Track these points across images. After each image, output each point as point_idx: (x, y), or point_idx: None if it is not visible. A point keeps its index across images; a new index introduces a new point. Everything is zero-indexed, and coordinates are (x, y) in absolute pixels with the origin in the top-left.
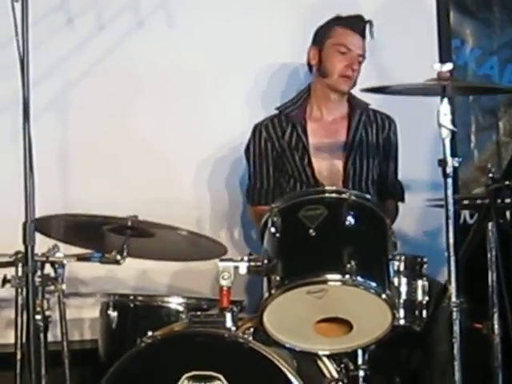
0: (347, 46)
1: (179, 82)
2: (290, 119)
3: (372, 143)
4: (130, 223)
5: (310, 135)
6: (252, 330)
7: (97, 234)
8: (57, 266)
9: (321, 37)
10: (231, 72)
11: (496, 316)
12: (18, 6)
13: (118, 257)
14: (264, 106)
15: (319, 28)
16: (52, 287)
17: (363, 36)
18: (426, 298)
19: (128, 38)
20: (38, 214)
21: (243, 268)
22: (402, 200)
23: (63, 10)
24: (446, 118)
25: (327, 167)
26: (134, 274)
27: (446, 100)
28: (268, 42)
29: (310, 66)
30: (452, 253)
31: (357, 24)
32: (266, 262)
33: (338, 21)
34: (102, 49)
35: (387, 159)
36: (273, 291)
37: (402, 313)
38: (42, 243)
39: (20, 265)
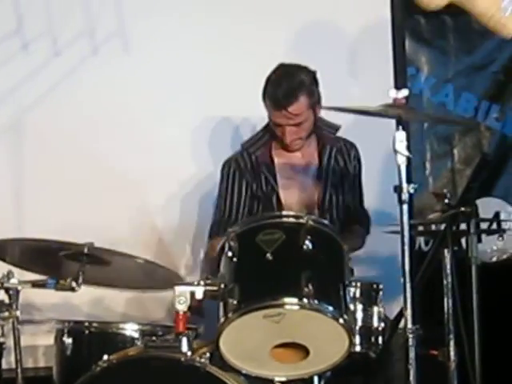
0: (277, 123)
1: (134, 109)
2: (257, 158)
3: (342, 174)
4: (86, 250)
5: (279, 173)
6: (208, 354)
7: (52, 260)
8: (11, 292)
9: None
10: (181, 102)
11: (452, 343)
12: None
13: (74, 284)
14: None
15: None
16: (6, 313)
17: (289, 107)
18: (382, 325)
19: (83, 64)
20: None
21: (199, 292)
22: (368, 230)
23: (18, 35)
24: (401, 145)
25: (297, 201)
26: (89, 300)
27: (401, 127)
28: (217, 78)
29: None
30: (408, 279)
31: (280, 103)
32: (222, 286)
33: (267, 91)
34: (57, 75)
35: (353, 187)
36: (229, 315)
37: (357, 339)
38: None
39: None
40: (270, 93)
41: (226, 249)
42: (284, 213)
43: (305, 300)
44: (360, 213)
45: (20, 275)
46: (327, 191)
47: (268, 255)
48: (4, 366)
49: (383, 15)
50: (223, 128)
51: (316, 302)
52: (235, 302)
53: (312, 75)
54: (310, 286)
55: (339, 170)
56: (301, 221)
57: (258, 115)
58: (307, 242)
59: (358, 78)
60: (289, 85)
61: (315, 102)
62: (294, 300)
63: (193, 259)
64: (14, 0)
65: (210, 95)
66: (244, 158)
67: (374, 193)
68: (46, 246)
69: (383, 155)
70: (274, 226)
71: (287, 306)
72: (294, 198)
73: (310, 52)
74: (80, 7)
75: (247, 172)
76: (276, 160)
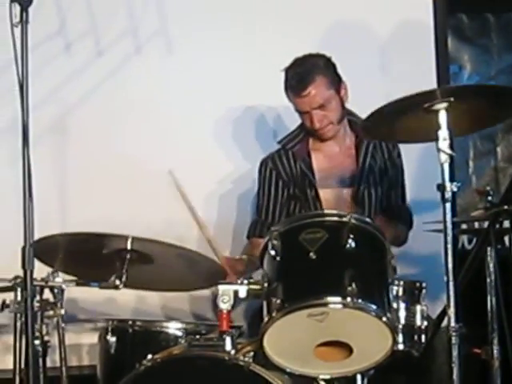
0: (301, 110)
1: (177, 108)
2: (294, 154)
3: (380, 171)
4: (129, 241)
5: (316, 168)
6: (252, 353)
7: (96, 259)
8: (56, 290)
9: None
10: (221, 100)
11: (495, 341)
12: (17, 30)
13: (117, 282)
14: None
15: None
16: (51, 312)
17: (306, 90)
18: (425, 323)
19: (126, 63)
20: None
21: (243, 292)
22: (411, 226)
23: (61, 35)
24: (444, 143)
25: (334, 197)
26: (133, 298)
27: (444, 125)
28: (258, 79)
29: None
30: (451, 278)
31: (297, 88)
32: (265, 285)
33: (286, 84)
34: (100, 74)
35: (394, 184)
36: (273, 314)
37: (400, 337)
38: (42, 268)
39: (19, 290)
40: (287, 83)
41: (269, 248)
42: (327, 211)
43: (348, 299)
44: (402, 209)
45: (64, 274)
46: (361, 187)
47: (311, 254)
48: (49, 364)
49: (425, 14)
50: (248, 117)
51: (359, 300)
52: (279, 301)
53: (325, 58)
54: (353, 285)
55: (376, 166)
56: (343, 219)
57: (281, 104)
58: (350, 240)
59: (398, 79)
60: (302, 69)
61: (335, 82)
62: (338, 299)
63: None
64: (57, 0)
65: (240, 87)
66: (281, 156)
67: (418, 190)
68: (88, 242)
69: (426, 152)
70: (317, 225)
71: (331, 305)
72: (331, 192)
73: (339, 51)
74: (123, 7)
75: (284, 170)
76: (313, 155)
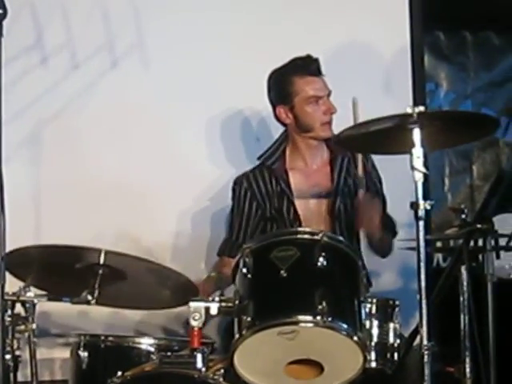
0: (316, 95)
1: (152, 123)
2: (272, 172)
3: (355, 185)
4: (103, 254)
5: (294, 186)
6: (222, 371)
7: (68, 273)
8: (27, 305)
9: (285, 95)
10: (198, 115)
11: (468, 359)
12: None
13: (89, 297)
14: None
15: (277, 82)
16: (22, 327)
17: (321, 73)
18: (398, 341)
19: (102, 77)
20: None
21: (214, 309)
22: (394, 234)
23: (37, 48)
24: (418, 161)
25: (310, 209)
26: (106, 313)
27: (418, 143)
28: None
29: (282, 123)
30: (424, 296)
31: (311, 67)
32: (237, 302)
33: (293, 70)
34: (76, 88)
35: (374, 195)
36: (243, 332)
37: (373, 355)
38: (13, 282)
39: None
40: (298, 67)
41: (241, 265)
42: (298, 229)
43: (318, 317)
44: (384, 218)
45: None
46: (337, 200)
47: (282, 272)
48: (20, 378)
49: (402, 31)
50: (234, 121)
51: (330, 319)
52: (249, 319)
53: None
54: (324, 303)
55: (351, 179)
56: (315, 237)
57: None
58: (321, 258)
59: (387, 96)
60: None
61: None
62: (308, 318)
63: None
64: (33, 14)
65: (221, 93)
66: (255, 175)
67: (392, 208)
68: (61, 255)
69: (400, 170)
70: (289, 243)
71: (301, 324)
72: (306, 204)
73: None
74: (99, 21)
75: (259, 190)
76: (290, 173)
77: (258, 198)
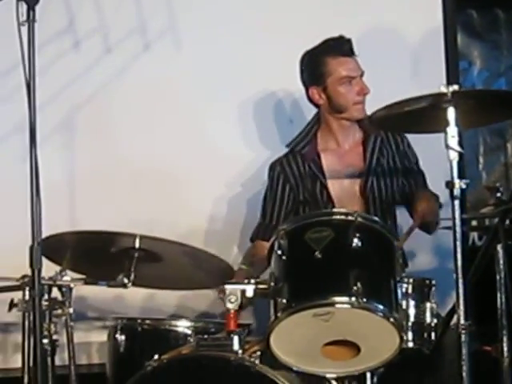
0: (349, 76)
1: (185, 107)
2: (303, 156)
3: (389, 164)
4: (138, 239)
5: (326, 167)
6: (259, 353)
7: (104, 257)
8: (64, 289)
9: (318, 76)
10: (231, 98)
11: (505, 339)
12: (24, 29)
13: (125, 281)
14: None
15: (310, 63)
16: (59, 311)
17: (354, 53)
18: (435, 321)
19: (134, 61)
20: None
21: (250, 291)
22: (440, 206)
23: (70, 33)
24: (453, 140)
25: (343, 189)
26: (142, 296)
27: (453, 122)
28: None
29: (315, 105)
30: (460, 275)
31: (344, 47)
32: (272, 284)
33: (326, 51)
34: (108, 72)
35: (410, 173)
36: (279, 314)
37: (410, 335)
38: (50, 267)
39: (27, 289)
40: (331, 46)
41: (276, 247)
42: (333, 210)
43: (353, 298)
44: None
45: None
46: (369, 180)
47: (317, 253)
48: (58, 362)
49: (434, 10)
50: (268, 103)
51: (365, 300)
52: (285, 301)
53: None
54: (359, 284)
55: (384, 160)
56: (349, 218)
57: (298, 89)
58: (356, 239)
59: (415, 78)
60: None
61: None
62: (344, 299)
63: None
64: None
65: (255, 73)
66: (289, 159)
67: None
68: (97, 240)
69: (435, 149)
70: (323, 224)
71: (336, 305)
72: (339, 183)
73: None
74: (131, 4)
75: (292, 174)
76: (322, 155)
77: (291, 181)
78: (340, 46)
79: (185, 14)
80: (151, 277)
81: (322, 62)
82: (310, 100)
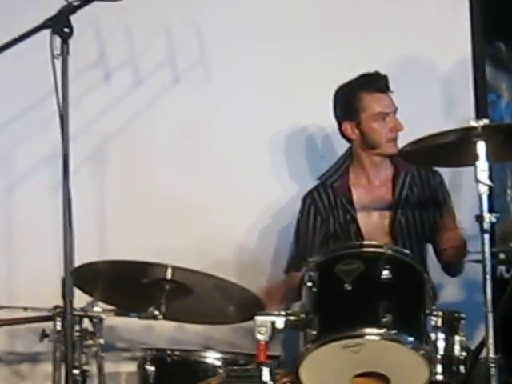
0: (383, 112)
1: (215, 138)
2: (334, 190)
3: (419, 200)
4: (169, 270)
5: (356, 201)
6: None
7: (135, 288)
8: (95, 320)
9: (352, 111)
10: (262, 131)
11: None
12: (58, 62)
13: (156, 312)
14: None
15: (344, 97)
16: (90, 341)
17: (389, 90)
18: (464, 354)
19: (165, 93)
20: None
21: (280, 322)
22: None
23: (101, 65)
24: (483, 174)
25: (374, 226)
26: (171, 326)
27: (483, 156)
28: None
29: (348, 139)
30: (490, 309)
31: (379, 83)
32: (302, 316)
33: (361, 86)
34: (139, 104)
35: (439, 212)
36: (309, 345)
37: (439, 368)
38: (81, 297)
39: (58, 319)
40: (366, 82)
41: (306, 279)
42: (363, 242)
43: (384, 330)
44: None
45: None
46: (398, 213)
47: (347, 285)
48: None
49: (463, 43)
50: (299, 137)
51: (395, 332)
52: (314, 332)
53: None
54: (389, 316)
55: (414, 196)
56: (379, 250)
57: (330, 123)
58: (386, 271)
59: (445, 111)
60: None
61: None
62: (373, 330)
63: None
64: (96, 31)
65: (286, 107)
66: (320, 192)
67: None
68: (128, 270)
69: (463, 183)
70: (353, 256)
71: (366, 337)
72: (371, 225)
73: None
74: (161, 36)
75: (323, 207)
76: (354, 190)
77: (322, 213)
78: (375, 82)
79: (215, 46)
80: (181, 309)
81: (356, 96)
82: (343, 135)
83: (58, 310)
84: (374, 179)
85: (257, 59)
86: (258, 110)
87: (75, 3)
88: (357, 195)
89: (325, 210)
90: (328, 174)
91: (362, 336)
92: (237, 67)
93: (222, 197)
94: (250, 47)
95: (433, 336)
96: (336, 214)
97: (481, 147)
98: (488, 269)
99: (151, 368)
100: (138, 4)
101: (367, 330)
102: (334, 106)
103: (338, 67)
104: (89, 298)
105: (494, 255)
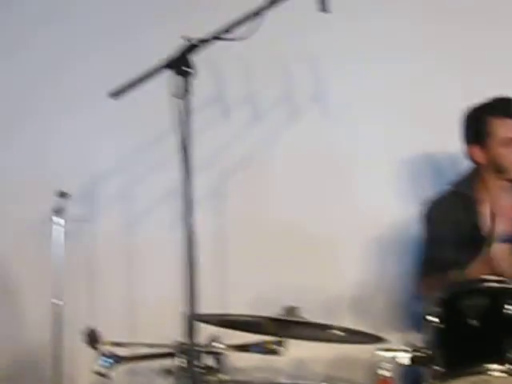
0: (511, 138)
1: (337, 171)
2: (463, 200)
3: None
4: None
5: (486, 216)
6: None
7: None
8: (217, 356)
9: (480, 135)
10: (386, 160)
11: None
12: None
13: (278, 348)
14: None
15: (472, 121)
16: (213, 378)
17: None
18: None
19: (284, 129)
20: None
21: (405, 359)
22: None
23: (219, 101)
24: None
25: (499, 256)
26: (290, 362)
27: None
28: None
29: (475, 162)
30: None
31: (508, 108)
32: (427, 351)
33: (490, 110)
34: (258, 140)
35: None
36: (435, 382)
37: None
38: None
39: (180, 356)
40: (493, 108)
41: (431, 314)
42: (487, 277)
43: (510, 366)
44: None
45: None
46: None
47: (472, 321)
48: None
49: None
50: (425, 164)
51: None
52: (439, 369)
53: None
54: None
55: None
56: (504, 285)
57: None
58: (511, 306)
59: None
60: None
61: None
62: (499, 367)
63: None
64: (214, 68)
65: (413, 136)
66: (450, 199)
67: None
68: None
69: None
70: (478, 291)
71: (492, 373)
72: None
73: None
74: (279, 72)
75: (456, 212)
76: (482, 205)
77: (455, 217)
78: (506, 107)
79: (333, 80)
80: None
81: (485, 120)
82: (470, 158)
83: (181, 347)
84: (498, 205)
85: (376, 89)
86: (379, 140)
87: (195, 42)
88: (485, 211)
89: (457, 215)
90: (458, 183)
91: (488, 372)
92: (356, 100)
93: (345, 230)
94: (369, 78)
95: None
96: (465, 225)
97: None
98: None
99: None
100: (254, 40)
101: (493, 367)
102: (462, 128)
103: (466, 92)
104: (208, 333)
105: None
